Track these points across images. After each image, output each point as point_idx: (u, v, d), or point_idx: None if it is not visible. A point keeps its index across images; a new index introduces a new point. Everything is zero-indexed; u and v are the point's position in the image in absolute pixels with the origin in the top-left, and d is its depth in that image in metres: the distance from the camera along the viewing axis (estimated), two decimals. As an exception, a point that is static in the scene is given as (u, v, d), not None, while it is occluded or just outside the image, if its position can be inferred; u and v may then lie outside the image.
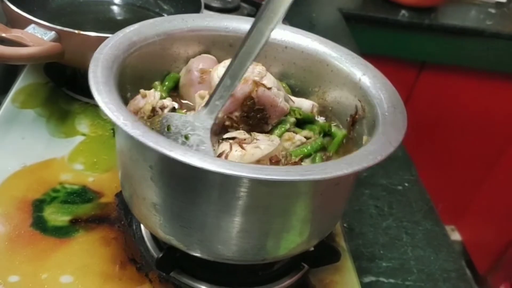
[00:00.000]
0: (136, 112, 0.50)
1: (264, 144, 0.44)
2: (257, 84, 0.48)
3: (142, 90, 0.52)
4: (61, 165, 0.62)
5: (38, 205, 0.56)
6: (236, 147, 0.44)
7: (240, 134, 0.46)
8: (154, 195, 0.42)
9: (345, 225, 0.75)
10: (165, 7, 0.87)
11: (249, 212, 0.41)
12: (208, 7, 1.04)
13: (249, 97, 0.48)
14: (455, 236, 2.08)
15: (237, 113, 0.48)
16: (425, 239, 0.75)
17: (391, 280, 0.67)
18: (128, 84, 0.51)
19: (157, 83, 0.55)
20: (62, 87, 0.74)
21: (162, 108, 0.50)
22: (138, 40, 0.52)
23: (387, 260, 0.71)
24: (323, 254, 0.53)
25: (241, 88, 0.48)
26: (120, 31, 0.52)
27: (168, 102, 0.51)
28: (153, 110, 0.49)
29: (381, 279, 0.67)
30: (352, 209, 0.79)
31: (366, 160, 0.38)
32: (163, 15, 0.86)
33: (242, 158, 0.43)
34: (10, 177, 0.59)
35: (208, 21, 0.58)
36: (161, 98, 0.52)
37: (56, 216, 0.55)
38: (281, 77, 0.60)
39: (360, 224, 0.76)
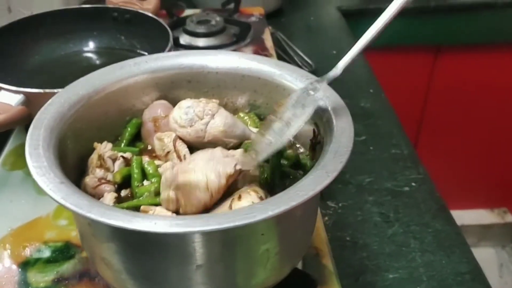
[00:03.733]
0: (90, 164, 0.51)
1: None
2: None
3: (95, 143, 0.52)
4: (46, 223, 0.63)
5: (23, 268, 0.57)
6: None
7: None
8: (99, 250, 0.42)
9: (347, 238, 0.72)
10: (139, 45, 0.87)
11: (192, 261, 0.39)
12: (193, 34, 1.04)
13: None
14: (509, 218, 1.96)
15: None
16: (435, 242, 0.71)
17: (399, 293, 0.63)
18: (85, 137, 0.52)
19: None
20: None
21: (114, 158, 0.50)
22: (87, 93, 0.52)
23: (393, 271, 0.67)
24: (299, 282, 0.51)
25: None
26: (69, 86, 0.53)
27: (120, 154, 0.50)
28: (100, 158, 0.49)
29: (388, 293, 0.63)
30: (356, 220, 0.75)
31: (296, 198, 0.35)
32: (143, 54, 0.87)
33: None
34: (-2, 243, 0.60)
35: (162, 61, 0.58)
36: (118, 149, 0.52)
37: (39, 277, 0.56)
38: (248, 107, 0.58)
39: (364, 235, 0.72)
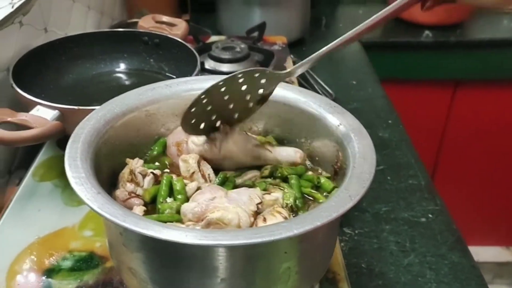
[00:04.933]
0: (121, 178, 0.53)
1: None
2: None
3: (127, 159, 0.54)
4: (71, 233, 0.65)
5: (48, 275, 0.59)
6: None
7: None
8: (128, 259, 0.44)
9: (363, 265, 0.73)
10: (167, 68, 0.91)
11: (215, 275, 0.41)
12: (218, 59, 1.08)
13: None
14: (509, 257, 1.93)
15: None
16: (451, 273, 0.71)
17: (413, 323, 0.63)
18: (117, 153, 0.54)
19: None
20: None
21: (144, 174, 0.52)
22: (121, 111, 0.55)
23: (409, 301, 0.67)
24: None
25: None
26: (105, 104, 0.56)
27: (150, 170, 0.53)
28: (132, 173, 0.51)
29: (402, 322, 0.63)
30: (372, 248, 0.76)
31: (320, 218, 0.37)
32: (171, 76, 0.91)
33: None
34: (25, 250, 0.63)
35: (191, 84, 0.60)
36: (149, 166, 0.54)
37: (63, 284, 0.58)
38: (266, 131, 0.61)
39: (380, 263, 0.73)
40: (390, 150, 0.97)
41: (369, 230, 0.79)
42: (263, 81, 0.51)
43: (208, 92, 0.49)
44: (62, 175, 0.76)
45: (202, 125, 0.52)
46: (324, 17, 1.67)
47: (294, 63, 1.17)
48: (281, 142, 0.60)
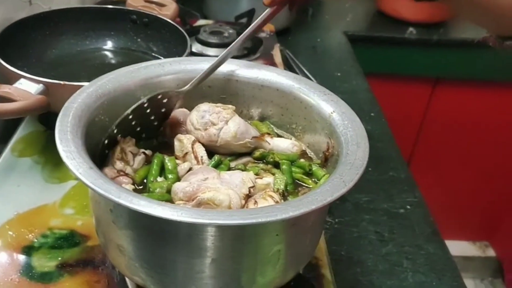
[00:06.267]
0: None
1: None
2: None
3: (118, 137, 0.53)
4: (52, 210, 0.64)
5: (27, 252, 0.58)
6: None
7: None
8: (117, 237, 0.44)
9: (342, 253, 0.74)
10: (155, 49, 0.90)
11: (206, 254, 0.41)
12: (206, 43, 1.07)
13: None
14: (490, 252, 2.00)
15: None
16: (427, 263, 0.73)
17: (388, 309, 0.65)
18: (106, 130, 0.53)
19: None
20: (59, 134, 0.77)
21: (135, 153, 0.52)
22: (113, 88, 0.54)
23: (385, 288, 0.69)
24: (300, 288, 0.52)
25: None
26: (97, 79, 0.54)
27: (141, 150, 0.52)
28: (122, 151, 0.50)
29: (378, 308, 0.65)
30: (351, 236, 0.77)
31: (315, 202, 0.37)
32: (157, 57, 0.90)
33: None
34: (3, 225, 0.61)
35: (185, 64, 0.60)
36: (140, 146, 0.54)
37: (43, 261, 0.57)
38: (262, 116, 0.61)
39: (359, 251, 0.74)
40: (373, 142, 0.97)
41: (350, 219, 0.80)
42: (165, 100, 0.54)
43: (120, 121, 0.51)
44: (43, 151, 0.75)
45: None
46: (311, 8, 1.67)
47: (281, 51, 1.17)
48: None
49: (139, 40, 0.91)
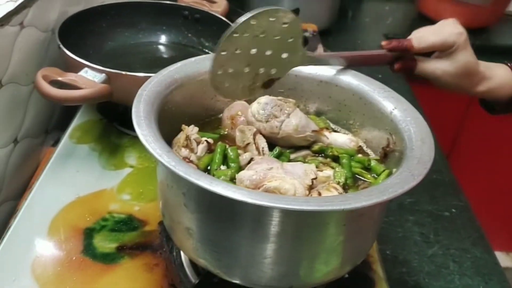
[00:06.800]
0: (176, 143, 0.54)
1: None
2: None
3: (183, 125, 0.55)
4: (110, 195, 0.67)
5: (89, 233, 0.61)
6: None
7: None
8: (187, 220, 0.45)
9: (388, 252, 0.74)
10: (207, 44, 0.92)
11: (275, 240, 0.42)
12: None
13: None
14: (508, 262, 1.96)
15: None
16: (473, 267, 0.73)
17: (437, 310, 0.65)
18: (171, 118, 0.55)
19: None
20: (113, 123, 0.80)
21: (198, 141, 0.53)
22: (180, 78, 0.56)
23: (432, 289, 0.69)
24: (357, 281, 0.53)
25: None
26: (164, 69, 0.56)
27: (204, 138, 0.54)
28: (187, 139, 0.52)
29: (426, 308, 0.65)
30: (396, 236, 0.77)
31: (387, 193, 0.38)
32: (208, 52, 0.92)
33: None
34: (65, 207, 0.64)
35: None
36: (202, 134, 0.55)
37: (104, 243, 0.59)
38: (318, 112, 0.62)
39: (404, 251, 0.75)
40: (416, 145, 0.98)
41: (394, 219, 0.80)
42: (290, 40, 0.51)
43: (242, 26, 0.47)
44: (99, 139, 0.78)
45: (228, 83, 0.51)
46: (350, 10, 1.67)
47: (324, 51, 1.18)
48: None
49: (189, 35, 0.94)
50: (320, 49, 1.16)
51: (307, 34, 1.22)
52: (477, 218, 0.82)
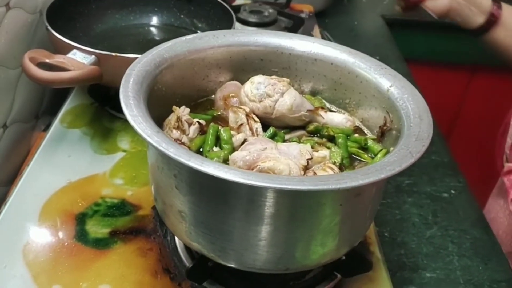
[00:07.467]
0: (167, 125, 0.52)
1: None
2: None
3: (174, 106, 0.53)
4: (102, 180, 0.65)
5: (81, 218, 0.59)
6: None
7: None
8: (179, 202, 0.44)
9: (386, 234, 0.73)
10: (200, 25, 0.90)
11: (270, 222, 0.41)
12: (246, 22, 1.06)
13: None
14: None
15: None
16: (472, 248, 0.72)
17: (436, 291, 0.64)
18: (161, 99, 0.53)
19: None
20: (105, 107, 0.78)
21: (190, 123, 0.52)
22: (170, 57, 0.54)
23: (431, 271, 0.68)
24: (354, 263, 0.52)
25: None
26: (153, 49, 0.54)
27: (195, 119, 0.52)
28: (178, 120, 0.51)
29: (425, 290, 0.64)
30: (394, 218, 0.76)
31: (384, 171, 0.37)
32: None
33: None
34: (57, 193, 0.63)
35: (239, 36, 0.59)
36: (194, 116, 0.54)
37: (97, 228, 0.58)
38: (313, 91, 0.60)
39: (402, 233, 0.74)
40: (414, 126, 0.97)
41: (392, 202, 0.79)
42: None
43: None
44: (91, 123, 0.76)
45: None
46: (347, -10, 1.64)
47: (320, 33, 1.16)
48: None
49: (182, 16, 0.91)
50: (316, 30, 1.14)
51: (303, 15, 1.20)
52: (476, 199, 0.82)
